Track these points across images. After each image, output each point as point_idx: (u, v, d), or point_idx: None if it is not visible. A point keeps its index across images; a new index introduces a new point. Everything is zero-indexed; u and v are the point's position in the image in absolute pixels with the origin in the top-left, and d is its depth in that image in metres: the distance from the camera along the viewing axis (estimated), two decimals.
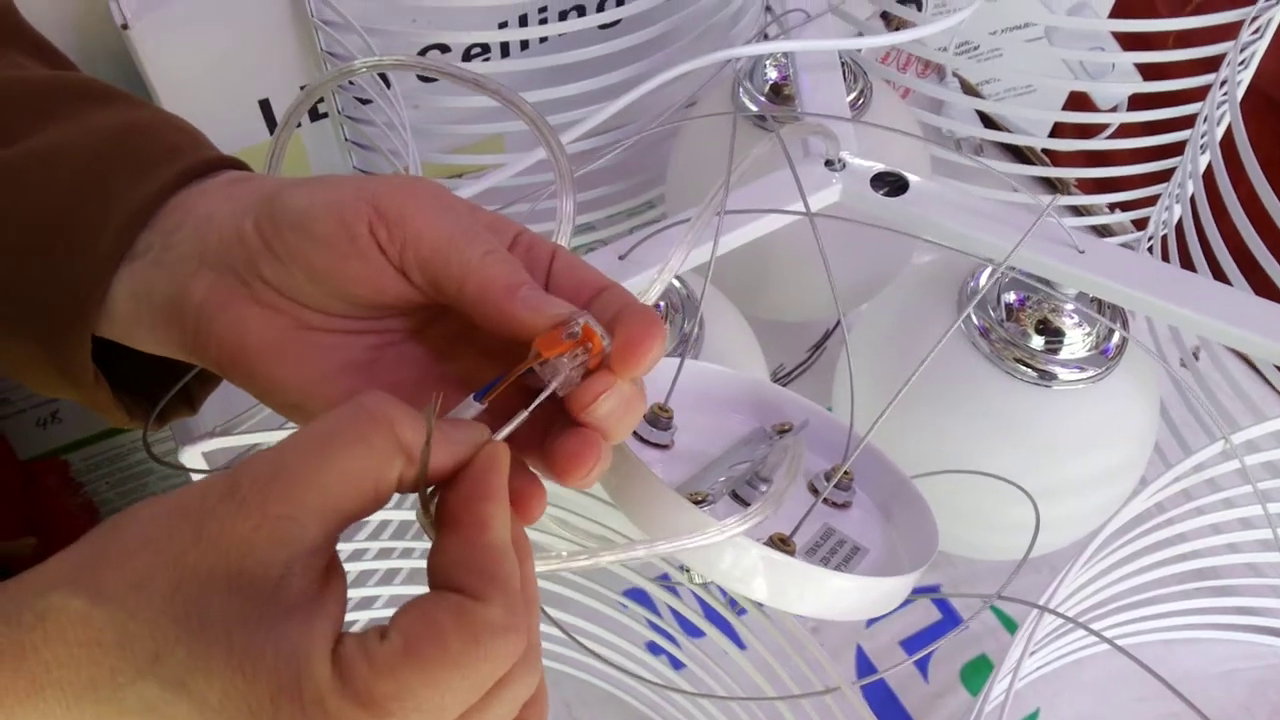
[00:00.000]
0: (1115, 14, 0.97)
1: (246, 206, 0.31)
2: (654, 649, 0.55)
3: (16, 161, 0.33)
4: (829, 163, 0.52)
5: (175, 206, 0.32)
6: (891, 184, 0.52)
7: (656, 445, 0.42)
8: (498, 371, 0.30)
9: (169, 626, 0.24)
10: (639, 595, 0.54)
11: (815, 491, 0.42)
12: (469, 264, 0.29)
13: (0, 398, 0.95)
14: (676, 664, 0.56)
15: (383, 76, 0.61)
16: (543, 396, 0.29)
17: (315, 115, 0.70)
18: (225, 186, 0.33)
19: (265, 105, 0.68)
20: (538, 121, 0.35)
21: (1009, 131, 0.84)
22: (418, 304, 0.31)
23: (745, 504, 0.40)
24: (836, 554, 0.40)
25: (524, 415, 0.29)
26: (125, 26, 0.59)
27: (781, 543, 0.38)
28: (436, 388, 0.31)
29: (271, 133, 0.69)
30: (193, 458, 0.44)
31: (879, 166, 0.52)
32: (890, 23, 0.84)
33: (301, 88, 0.68)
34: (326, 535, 0.25)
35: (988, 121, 0.87)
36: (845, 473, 0.43)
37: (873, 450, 0.44)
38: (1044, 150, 0.86)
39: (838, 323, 0.75)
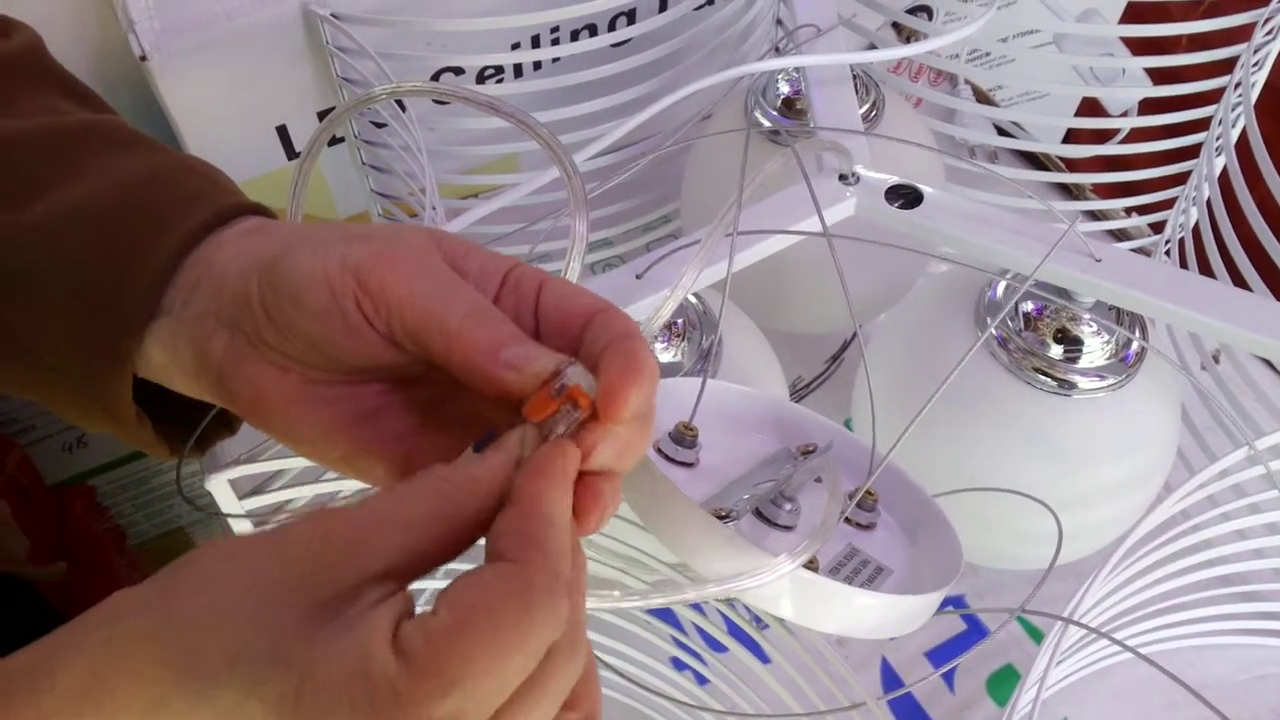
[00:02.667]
0: (1128, 18, 0.97)
1: (254, 266, 0.32)
2: (678, 665, 0.55)
3: (43, 219, 0.34)
4: (843, 177, 0.52)
5: (195, 262, 0.33)
6: (906, 196, 0.52)
7: (682, 463, 0.42)
8: (504, 408, 0.30)
9: (245, 629, 0.24)
10: (662, 611, 0.54)
11: None
12: (450, 332, 0.29)
13: (27, 424, 0.96)
14: (701, 680, 0.56)
15: (398, 102, 0.62)
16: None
17: (333, 140, 0.71)
18: (240, 239, 0.33)
19: (283, 131, 0.69)
20: (551, 142, 0.35)
21: (1022, 138, 0.84)
22: (417, 360, 0.32)
23: (769, 522, 0.40)
24: (860, 574, 0.40)
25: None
26: (144, 58, 0.60)
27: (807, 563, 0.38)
28: (446, 427, 0.32)
29: (289, 158, 0.70)
30: (218, 484, 0.45)
31: (893, 179, 0.52)
32: (901, 33, 0.84)
33: (318, 114, 0.69)
34: (401, 565, 0.26)
35: (1001, 129, 0.86)
36: (869, 493, 0.43)
37: (896, 471, 0.44)
38: (1059, 156, 0.86)
39: (855, 334, 0.75)
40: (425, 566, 0.26)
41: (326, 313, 0.30)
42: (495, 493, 0.27)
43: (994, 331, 0.55)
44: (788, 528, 0.40)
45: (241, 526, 0.46)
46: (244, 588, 0.25)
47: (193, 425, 0.39)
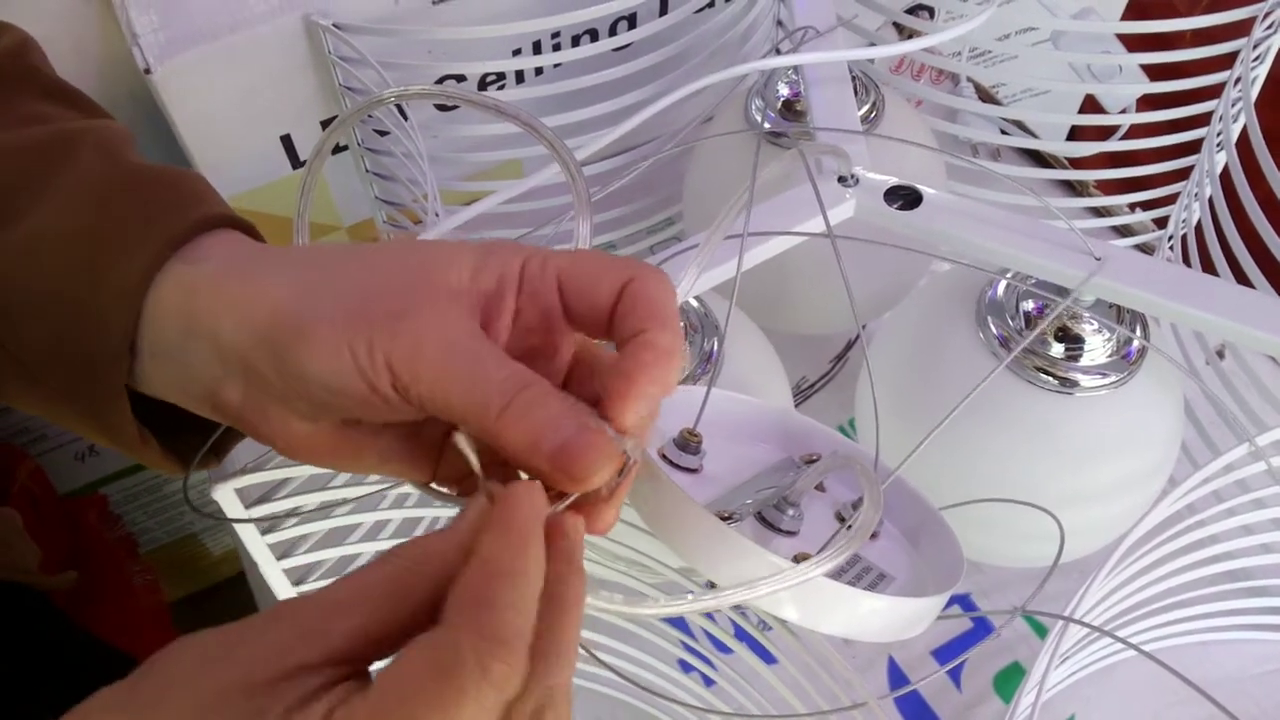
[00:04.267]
0: (1130, 14, 0.97)
1: (252, 335, 0.31)
2: (685, 667, 0.55)
3: (20, 244, 0.33)
4: (842, 179, 0.52)
5: (170, 310, 0.32)
6: (905, 198, 0.52)
7: (686, 469, 0.42)
8: None
9: None
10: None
11: (841, 519, 0.43)
12: (488, 430, 0.29)
13: (39, 433, 0.97)
14: (708, 681, 0.56)
15: (400, 109, 0.62)
16: (566, 503, 0.30)
17: (336, 149, 0.72)
18: (216, 286, 0.32)
19: (287, 141, 0.69)
20: (556, 145, 0.35)
21: (1024, 135, 0.84)
22: None
23: (772, 527, 0.40)
24: (862, 580, 0.40)
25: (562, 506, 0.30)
26: (148, 71, 0.60)
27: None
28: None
29: (294, 167, 0.71)
30: (225, 493, 0.45)
31: (892, 181, 0.52)
32: (902, 33, 0.84)
33: (321, 123, 0.69)
34: (352, 649, 0.25)
35: (1003, 127, 0.87)
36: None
37: (900, 481, 0.44)
38: (1062, 152, 0.86)
39: (859, 335, 0.75)
40: (386, 646, 0.26)
41: (366, 400, 0.30)
42: (450, 563, 0.26)
43: (995, 331, 0.55)
44: (790, 533, 0.40)
45: (249, 533, 0.46)
46: (196, 689, 0.24)
47: (205, 432, 0.38)
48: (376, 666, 0.26)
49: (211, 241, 0.33)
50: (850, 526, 0.42)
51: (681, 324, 0.55)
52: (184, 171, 0.36)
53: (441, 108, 0.70)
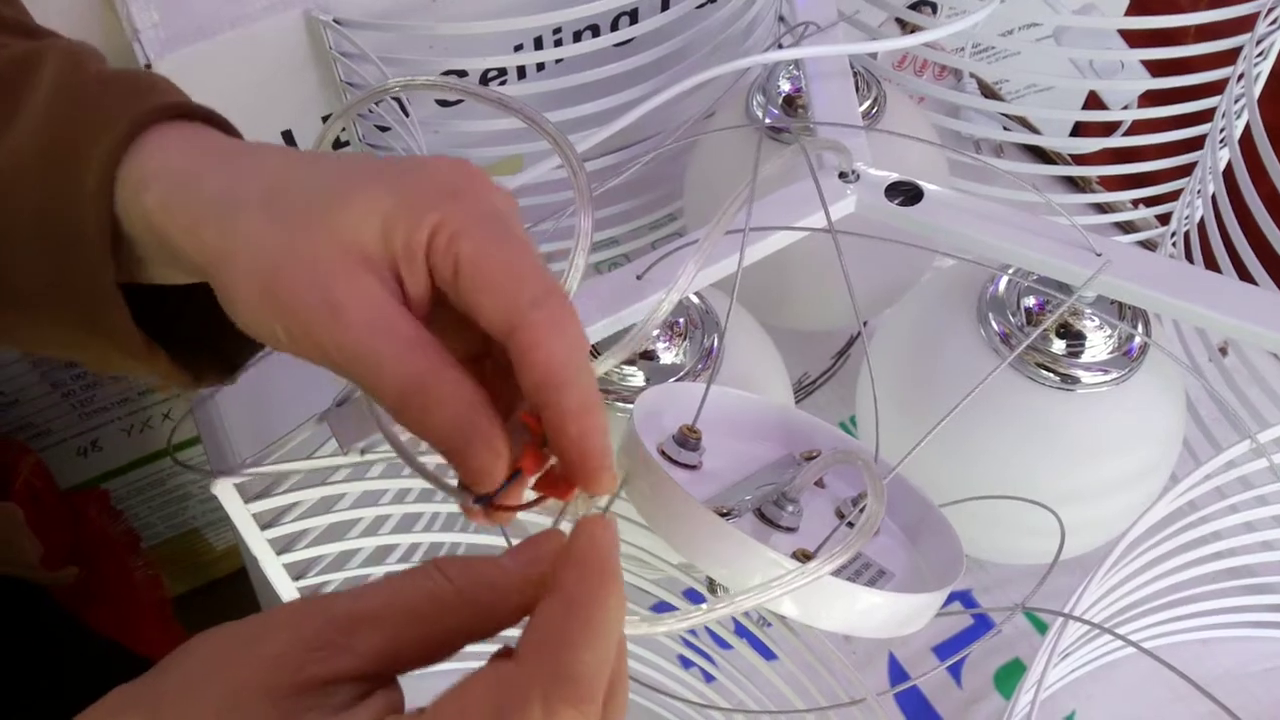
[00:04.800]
0: (1133, 10, 0.96)
1: (200, 272, 0.31)
2: (685, 663, 0.55)
3: None
4: (842, 174, 0.52)
5: (139, 235, 0.32)
6: (906, 194, 0.52)
7: (685, 465, 0.42)
8: None
9: None
10: (667, 608, 0.54)
11: (840, 516, 0.43)
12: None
13: (42, 428, 0.97)
14: (708, 677, 0.56)
15: (401, 105, 0.62)
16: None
17: (336, 144, 0.72)
18: (165, 212, 0.32)
19: (288, 136, 0.69)
20: (558, 139, 0.35)
21: (1028, 131, 0.84)
22: None
23: (771, 523, 0.40)
24: (861, 576, 0.40)
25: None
26: (149, 66, 0.60)
27: (805, 558, 0.38)
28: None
29: None
30: (225, 488, 0.45)
31: (893, 176, 0.52)
32: (905, 29, 0.84)
33: (323, 119, 0.69)
34: (378, 668, 0.24)
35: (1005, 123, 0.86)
36: None
37: (899, 478, 0.44)
38: (1065, 148, 0.86)
39: (860, 331, 0.75)
40: (414, 666, 0.25)
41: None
42: (505, 596, 0.25)
43: (996, 327, 0.55)
44: (790, 529, 0.40)
45: (248, 527, 0.46)
46: (216, 687, 0.24)
47: (216, 352, 0.38)
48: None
49: (149, 152, 0.33)
50: (851, 524, 0.42)
51: (682, 320, 0.55)
52: (141, 71, 0.36)
53: (443, 103, 0.69)
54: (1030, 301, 0.54)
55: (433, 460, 0.35)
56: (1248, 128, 0.58)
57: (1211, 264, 0.63)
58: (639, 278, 0.48)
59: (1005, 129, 0.84)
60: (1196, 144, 0.72)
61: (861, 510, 0.42)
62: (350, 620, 0.24)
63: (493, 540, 0.53)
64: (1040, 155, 0.86)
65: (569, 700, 0.22)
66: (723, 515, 0.39)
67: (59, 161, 0.33)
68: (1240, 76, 0.64)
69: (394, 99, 0.62)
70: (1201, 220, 0.67)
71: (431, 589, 0.25)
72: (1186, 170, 0.74)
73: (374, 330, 0.28)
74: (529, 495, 0.30)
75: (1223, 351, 0.68)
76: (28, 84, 0.34)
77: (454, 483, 0.30)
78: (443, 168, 0.30)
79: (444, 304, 0.30)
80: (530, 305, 0.28)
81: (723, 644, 0.52)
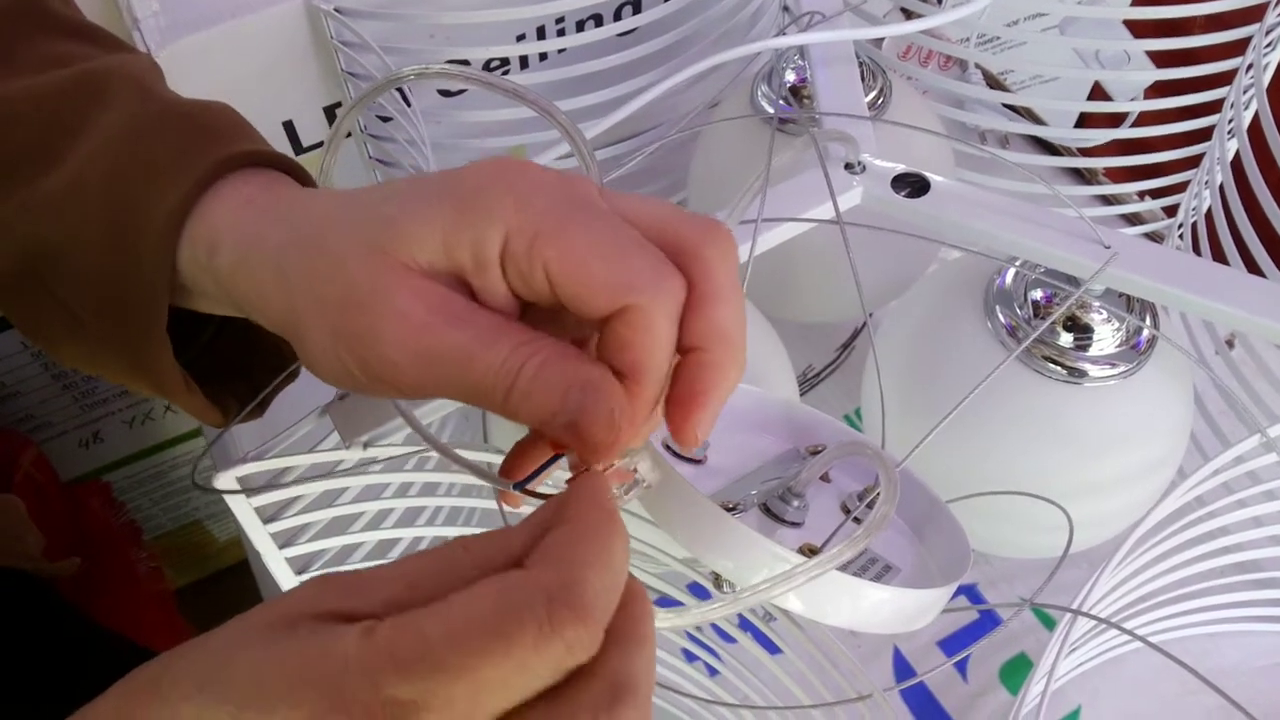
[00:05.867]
0: (1140, 0, 0.96)
1: (269, 322, 0.31)
2: (689, 657, 0.55)
3: (53, 192, 0.34)
4: (849, 165, 0.52)
5: (204, 290, 0.33)
6: (913, 185, 0.51)
7: (690, 460, 0.42)
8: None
9: (217, 656, 0.24)
10: (674, 603, 0.54)
11: (846, 511, 0.42)
12: (501, 413, 0.28)
13: (44, 420, 0.97)
14: (712, 671, 0.56)
15: (403, 95, 0.62)
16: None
17: None
18: (232, 266, 0.32)
19: (289, 126, 0.69)
20: (569, 129, 0.34)
21: (1033, 123, 0.83)
22: None
23: (776, 518, 0.40)
24: (867, 572, 0.39)
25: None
26: None
27: (811, 553, 0.38)
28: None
29: (296, 153, 0.70)
30: (227, 482, 0.45)
31: (899, 168, 0.52)
32: (910, 19, 0.83)
33: (324, 109, 0.69)
34: (393, 605, 0.24)
35: (1012, 114, 0.86)
36: (878, 493, 0.43)
37: (906, 472, 0.44)
38: (1071, 140, 0.85)
39: (865, 323, 0.75)
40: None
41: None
42: (515, 551, 0.25)
43: (1003, 320, 0.54)
44: (795, 524, 0.40)
45: (251, 521, 0.46)
46: (237, 628, 0.24)
47: (250, 384, 0.39)
48: None
49: (215, 216, 0.33)
50: (858, 520, 0.42)
51: None
52: (214, 104, 0.36)
53: (445, 93, 0.69)
54: (1037, 294, 0.54)
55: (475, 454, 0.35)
56: (1256, 118, 0.58)
57: (1219, 256, 0.62)
58: None
59: (1011, 120, 0.83)
60: (1204, 135, 0.71)
61: (871, 503, 0.42)
62: (364, 578, 0.25)
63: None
64: (1046, 147, 0.85)
65: (573, 608, 0.22)
66: (728, 510, 0.39)
67: (130, 191, 0.33)
68: (1249, 67, 0.64)
69: (396, 89, 0.61)
70: (1209, 212, 0.66)
71: (443, 553, 0.25)
72: (1194, 162, 0.73)
73: (449, 322, 0.27)
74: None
75: (1230, 344, 0.68)
76: (96, 105, 0.35)
77: (476, 465, 0.30)
78: (488, 172, 0.28)
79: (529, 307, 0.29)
80: (638, 289, 0.27)
81: (727, 638, 0.51)
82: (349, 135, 0.71)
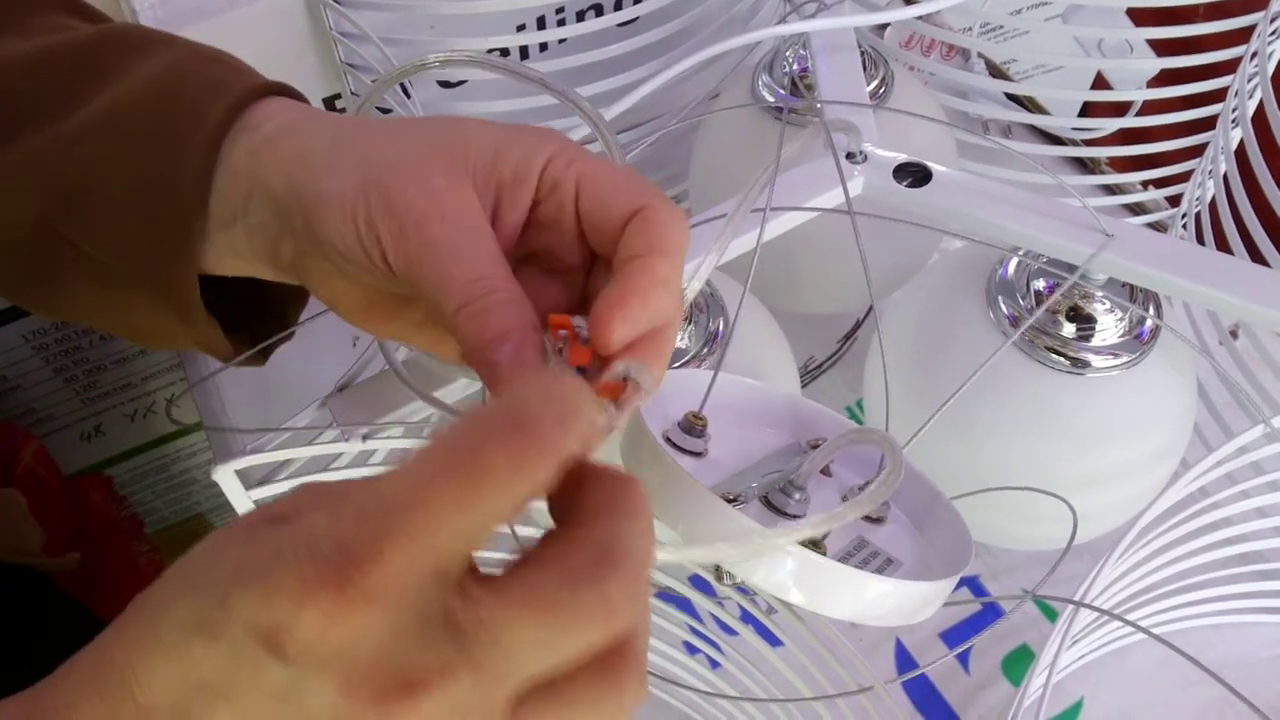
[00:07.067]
0: None
1: (293, 193, 0.32)
2: (690, 649, 0.55)
3: (82, 128, 0.35)
4: (850, 155, 0.52)
5: (238, 172, 0.34)
6: (914, 174, 0.51)
7: (690, 453, 0.42)
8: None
9: (202, 562, 0.24)
10: (678, 597, 0.54)
11: None
12: (446, 321, 0.30)
13: (45, 414, 0.97)
14: (714, 664, 0.56)
15: (402, 86, 0.62)
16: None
17: None
18: (272, 146, 0.34)
19: None
20: (593, 115, 0.37)
21: (1036, 112, 0.83)
22: None
23: (778, 510, 0.40)
24: (869, 565, 0.39)
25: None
26: None
27: (813, 545, 0.38)
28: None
29: None
30: (226, 474, 0.45)
31: (901, 157, 0.51)
32: (912, 4, 0.83)
33: (324, 101, 0.68)
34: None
35: (1014, 103, 0.85)
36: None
37: (908, 466, 0.44)
38: (1074, 129, 0.85)
39: (868, 313, 0.74)
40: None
41: (370, 269, 0.31)
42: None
43: (1005, 310, 0.54)
44: (796, 516, 0.40)
45: (246, 507, 0.46)
46: (219, 535, 0.24)
47: (251, 333, 0.40)
48: None
49: (268, 107, 0.35)
50: (869, 487, 0.42)
51: (687, 305, 0.55)
52: (225, 53, 0.39)
53: (444, 84, 0.69)
54: (1040, 284, 0.54)
55: None
56: (1260, 107, 0.57)
57: (1223, 246, 0.62)
58: None
59: (1014, 110, 0.83)
60: (1207, 124, 0.71)
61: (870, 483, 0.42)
62: (352, 481, 0.24)
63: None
64: (1049, 136, 0.85)
65: (514, 420, 0.21)
66: (729, 502, 0.39)
67: (173, 113, 0.35)
68: (1254, 55, 0.63)
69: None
70: (1213, 201, 0.66)
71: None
72: (1197, 151, 0.73)
73: (462, 221, 0.30)
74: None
75: (1234, 334, 0.67)
76: (132, 54, 0.37)
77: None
78: (539, 129, 0.33)
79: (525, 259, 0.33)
80: (656, 196, 0.31)
81: (729, 631, 0.51)
82: None
